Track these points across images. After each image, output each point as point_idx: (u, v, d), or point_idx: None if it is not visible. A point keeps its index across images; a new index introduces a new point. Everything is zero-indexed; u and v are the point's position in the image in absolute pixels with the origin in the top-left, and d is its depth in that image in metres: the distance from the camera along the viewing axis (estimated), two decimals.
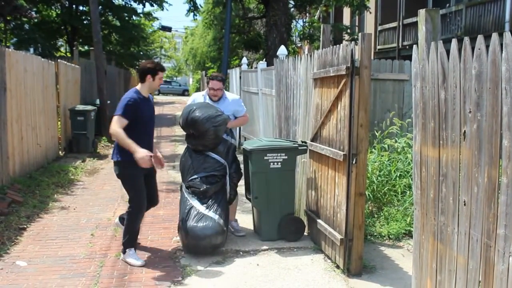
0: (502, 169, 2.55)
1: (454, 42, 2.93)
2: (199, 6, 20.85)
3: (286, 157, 5.60)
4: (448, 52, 3.04)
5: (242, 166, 5.98)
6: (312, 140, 5.60)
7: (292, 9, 21.77)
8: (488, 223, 2.68)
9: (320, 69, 5.43)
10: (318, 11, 26.76)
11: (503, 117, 2.52)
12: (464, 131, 2.89)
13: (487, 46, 2.63)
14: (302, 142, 5.84)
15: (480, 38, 2.69)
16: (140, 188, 5.05)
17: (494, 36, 2.57)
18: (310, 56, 5.83)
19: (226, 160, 5.63)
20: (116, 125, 4.96)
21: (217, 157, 5.59)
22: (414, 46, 3.53)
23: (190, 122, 5.51)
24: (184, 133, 5.78)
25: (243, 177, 5.98)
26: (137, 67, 33.60)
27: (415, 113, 3.52)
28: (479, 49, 2.70)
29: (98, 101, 14.37)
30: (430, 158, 3.33)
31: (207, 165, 5.55)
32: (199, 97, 5.97)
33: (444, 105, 3.11)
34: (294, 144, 5.79)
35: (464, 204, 2.91)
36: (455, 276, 3.05)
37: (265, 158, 5.56)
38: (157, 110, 29.44)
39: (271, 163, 5.57)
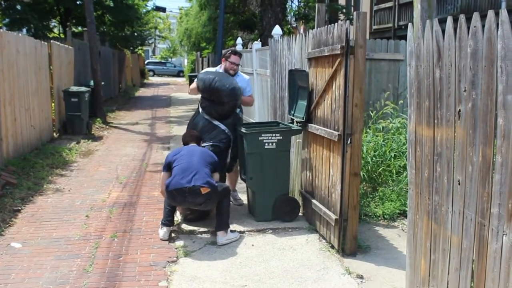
0: (496, 148, 2.54)
1: (449, 19, 2.90)
2: None
3: (280, 137, 5.58)
4: (443, 31, 3.01)
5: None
6: (307, 120, 5.57)
7: None
8: (482, 202, 2.68)
9: (314, 49, 5.39)
10: None
11: (498, 95, 2.50)
12: (459, 110, 2.87)
13: (483, 25, 2.60)
14: (297, 122, 5.81)
15: (475, 16, 2.66)
16: None
17: (490, 13, 2.54)
18: (305, 35, 5.78)
19: (232, 132, 5.89)
20: None
21: (225, 129, 5.87)
22: (409, 24, 3.49)
23: (213, 89, 5.79)
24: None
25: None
26: (131, 48, 33.45)
27: (410, 92, 3.50)
28: (474, 26, 2.67)
29: (92, 82, 14.27)
30: (424, 137, 3.32)
31: (214, 135, 5.85)
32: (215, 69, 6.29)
33: (439, 84, 3.09)
34: (288, 124, 5.79)
35: (459, 184, 2.91)
36: (449, 255, 3.05)
37: (260, 138, 5.54)
38: (152, 91, 29.57)
39: (266, 144, 5.55)
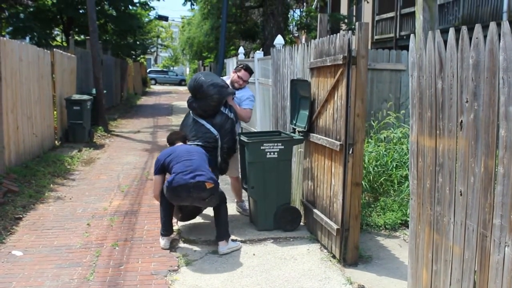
0: (498, 159, 2.54)
1: (451, 31, 2.91)
2: None
3: (282, 147, 5.59)
4: (445, 42, 3.02)
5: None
6: (308, 130, 5.58)
7: None
8: (484, 213, 2.68)
9: (316, 59, 5.41)
10: (315, 0, 26.65)
11: (500, 107, 2.51)
12: (461, 121, 2.88)
13: (485, 36, 2.61)
14: (299, 132, 5.82)
15: (477, 27, 2.67)
16: None
17: (492, 25, 2.55)
18: (307, 45, 5.81)
19: (219, 132, 5.80)
20: None
21: (210, 128, 5.81)
22: (412, 35, 3.51)
23: (196, 85, 5.83)
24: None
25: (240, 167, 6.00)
26: (133, 56, 33.57)
27: (412, 103, 3.51)
28: (476, 38, 2.69)
29: (94, 91, 14.31)
30: (426, 148, 3.32)
31: (200, 134, 5.80)
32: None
33: (441, 94, 3.10)
34: (290, 134, 5.80)
35: (461, 194, 2.91)
36: (451, 266, 3.05)
37: (262, 148, 5.55)
38: (154, 100, 29.59)
39: (268, 153, 5.55)
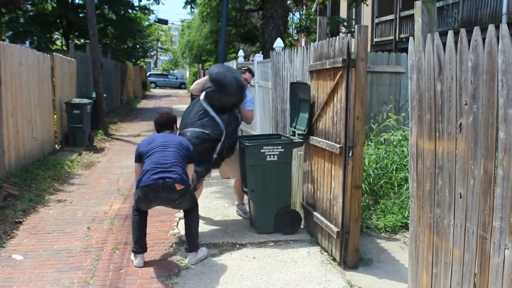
0: (498, 162, 2.55)
1: (450, 33, 2.92)
2: None
3: (282, 150, 5.59)
4: (444, 44, 3.03)
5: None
6: (308, 133, 5.58)
7: (288, 2, 21.70)
8: (484, 215, 2.68)
9: (316, 62, 5.41)
10: (315, 3, 26.66)
11: (499, 109, 2.51)
12: (460, 123, 2.88)
13: (484, 39, 2.61)
14: (299, 134, 5.82)
15: (476, 30, 2.68)
16: None
17: (491, 27, 2.56)
18: (307, 48, 5.81)
19: (225, 129, 5.78)
20: None
21: (219, 121, 5.78)
22: (410, 38, 3.51)
23: (232, 82, 5.81)
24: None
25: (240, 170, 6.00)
26: (133, 60, 33.59)
27: (411, 106, 3.51)
28: (475, 40, 2.69)
29: (94, 94, 14.33)
30: (426, 150, 3.32)
31: (207, 123, 5.73)
32: None
33: (440, 97, 3.10)
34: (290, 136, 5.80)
35: (460, 197, 2.91)
36: (451, 268, 3.05)
37: (262, 151, 5.55)
38: (154, 103, 29.61)
39: (268, 156, 5.56)
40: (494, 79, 2.55)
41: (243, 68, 6.46)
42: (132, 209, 4.99)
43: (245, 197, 6.27)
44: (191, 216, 4.98)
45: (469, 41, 2.77)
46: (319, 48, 5.35)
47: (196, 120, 5.78)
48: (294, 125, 5.92)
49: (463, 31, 2.79)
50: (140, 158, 5.00)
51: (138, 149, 5.06)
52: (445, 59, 3.02)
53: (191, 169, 5.10)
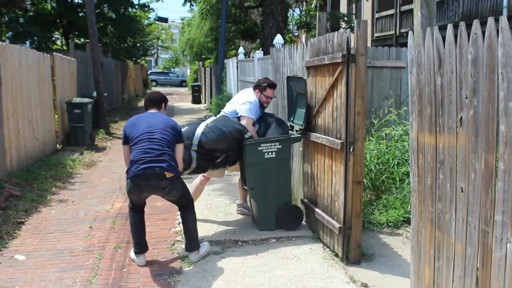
0: (499, 155, 2.53)
1: (449, 27, 2.90)
2: None
3: (280, 146, 5.57)
4: (444, 38, 3.01)
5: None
6: (307, 129, 5.57)
7: None
8: (485, 209, 2.67)
9: (313, 57, 5.39)
10: None
11: (500, 102, 2.50)
12: (461, 117, 2.87)
13: (484, 32, 2.60)
14: (297, 130, 5.81)
15: (476, 23, 2.66)
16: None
17: (490, 20, 2.54)
18: (306, 44, 5.80)
19: (230, 147, 5.62)
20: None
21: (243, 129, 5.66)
22: (410, 32, 3.49)
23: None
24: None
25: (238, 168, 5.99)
26: (134, 58, 33.60)
27: (411, 100, 3.49)
28: (475, 33, 2.67)
29: (95, 94, 14.33)
30: (427, 145, 3.31)
31: (231, 125, 5.64)
32: (256, 102, 5.92)
33: (440, 91, 3.08)
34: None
35: (462, 191, 2.90)
36: (453, 263, 3.04)
37: (259, 148, 5.53)
38: None
39: (266, 153, 5.54)
40: (494, 72, 2.54)
41: (262, 85, 5.96)
42: (128, 209, 4.98)
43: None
44: (188, 215, 4.96)
45: (469, 35, 2.75)
46: (316, 43, 5.33)
47: (222, 121, 5.73)
48: (292, 119, 5.91)
49: (462, 25, 2.78)
50: (126, 140, 4.85)
51: (124, 131, 4.91)
52: (445, 52, 3.00)
53: (180, 149, 4.91)
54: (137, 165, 4.59)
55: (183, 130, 5.29)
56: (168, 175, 4.60)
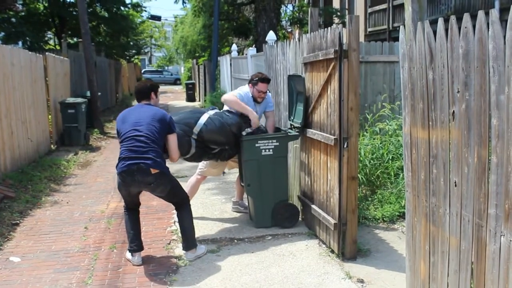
0: (491, 149, 2.53)
1: (440, 21, 2.89)
2: None
3: (277, 143, 5.57)
4: (435, 32, 3.00)
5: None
6: (304, 125, 5.56)
7: None
8: (479, 203, 2.67)
9: (309, 53, 5.39)
10: None
11: (491, 95, 2.50)
12: (453, 111, 2.87)
13: (474, 25, 2.59)
14: (296, 128, 5.80)
15: (466, 16, 2.65)
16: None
17: (480, 13, 2.53)
18: (299, 40, 5.78)
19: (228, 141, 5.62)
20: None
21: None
22: (401, 26, 3.48)
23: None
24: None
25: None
26: (127, 57, 33.50)
27: (404, 95, 3.49)
28: (465, 27, 2.67)
29: (88, 93, 14.29)
30: (420, 139, 3.31)
31: (233, 119, 5.66)
32: (247, 94, 5.95)
33: (432, 85, 3.08)
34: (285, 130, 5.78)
35: (455, 185, 2.90)
36: (448, 257, 3.04)
37: (256, 145, 5.53)
38: None
39: (263, 150, 5.53)
40: (485, 65, 2.53)
41: (254, 80, 5.93)
42: (123, 208, 4.99)
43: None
44: (183, 214, 4.96)
45: (459, 29, 2.75)
46: (312, 39, 5.32)
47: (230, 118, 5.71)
48: (292, 118, 5.89)
49: (453, 18, 2.77)
50: (119, 135, 4.86)
51: (116, 125, 4.94)
52: (436, 47, 3.00)
53: (172, 139, 4.89)
54: (124, 161, 4.65)
55: (183, 115, 5.38)
56: (154, 171, 4.62)
